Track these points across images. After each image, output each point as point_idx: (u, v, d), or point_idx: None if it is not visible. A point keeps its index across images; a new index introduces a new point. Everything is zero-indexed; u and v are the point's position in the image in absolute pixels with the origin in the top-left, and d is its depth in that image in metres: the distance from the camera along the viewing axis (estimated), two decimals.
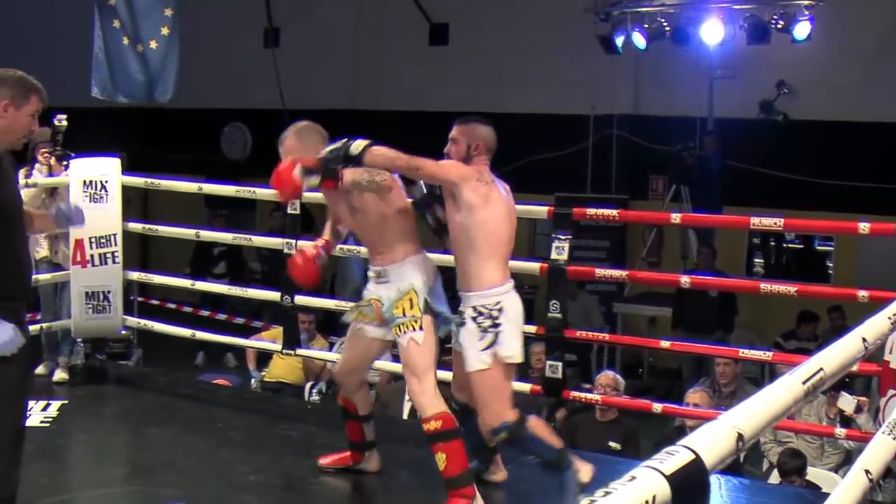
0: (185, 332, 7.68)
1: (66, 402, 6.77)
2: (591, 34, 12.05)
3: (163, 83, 8.82)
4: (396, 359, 8.43)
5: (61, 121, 7.28)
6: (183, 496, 5.34)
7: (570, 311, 8.80)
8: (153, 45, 8.82)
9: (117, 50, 8.81)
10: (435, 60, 14.34)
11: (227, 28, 14.96)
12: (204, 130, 15.46)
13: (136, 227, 7.60)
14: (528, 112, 13.47)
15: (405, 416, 7.87)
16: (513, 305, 4.78)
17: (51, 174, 7.30)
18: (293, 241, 6.70)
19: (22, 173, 7.22)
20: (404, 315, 4.94)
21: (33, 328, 7.48)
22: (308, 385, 9.00)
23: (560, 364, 6.11)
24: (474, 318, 4.75)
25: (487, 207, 4.73)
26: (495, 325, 4.72)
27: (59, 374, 7.34)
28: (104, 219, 7.22)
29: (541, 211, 6.27)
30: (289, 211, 6.77)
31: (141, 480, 5.62)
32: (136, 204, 7.68)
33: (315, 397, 8.80)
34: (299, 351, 7.45)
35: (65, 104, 7.34)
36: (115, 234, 7.25)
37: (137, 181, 7.54)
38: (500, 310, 4.73)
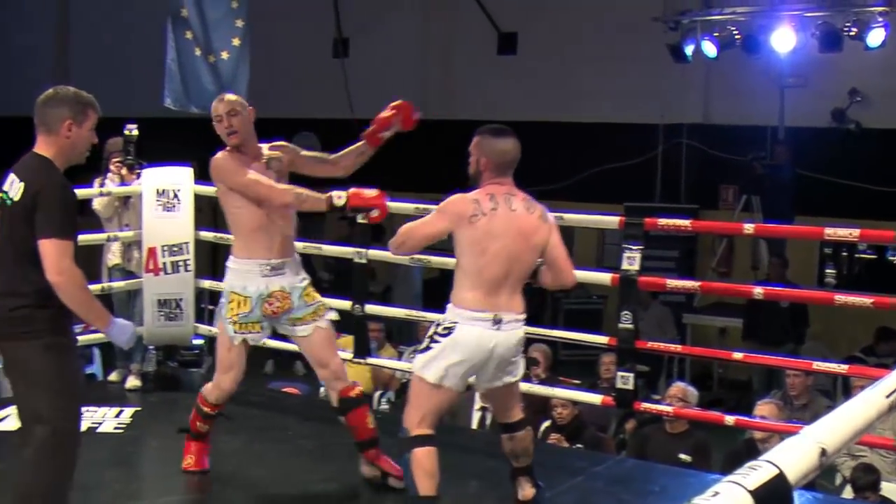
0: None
1: (138, 408, 6.85)
2: (661, 43, 11.98)
3: (234, 93, 8.88)
4: None
5: (132, 130, 7.38)
6: None
7: (643, 322, 8.76)
8: (225, 55, 8.91)
9: (190, 61, 8.90)
10: (503, 69, 14.34)
11: (297, 38, 15.06)
12: (273, 139, 15.53)
13: (207, 235, 7.64)
14: (597, 121, 13.43)
15: (474, 426, 7.86)
16: (465, 337, 4.61)
17: (123, 183, 7.38)
18: (364, 251, 6.72)
19: (96, 182, 7.34)
20: (316, 301, 5.33)
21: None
22: (377, 394, 9.00)
23: (631, 375, 6.06)
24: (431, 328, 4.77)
25: (485, 241, 4.60)
26: (432, 341, 4.68)
27: (132, 381, 7.42)
28: (176, 227, 7.30)
29: (612, 221, 6.24)
30: (359, 220, 6.77)
31: (212, 488, 5.65)
32: (207, 212, 7.73)
33: (384, 406, 8.80)
34: (370, 359, 7.44)
35: (136, 114, 7.45)
36: (187, 243, 7.32)
37: (209, 190, 7.54)
38: (448, 330, 4.64)
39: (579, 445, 7.17)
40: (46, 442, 4.18)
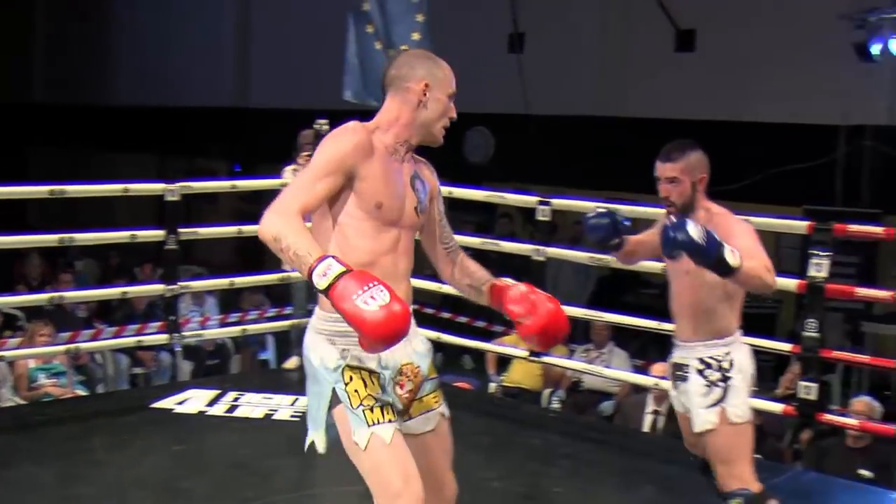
0: (430, 333, 7.70)
1: None
2: (846, 42, 11.62)
3: None
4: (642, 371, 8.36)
5: (322, 125, 7.54)
6: None
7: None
8: (404, 50, 8.96)
9: (370, 54, 8.96)
10: (681, 67, 14.11)
11: (472, 33, 15.09)
12: (446, 134, 15.62)
13: None
14: (776, 121, 13.09)
15: (646, 429, 7.75)
16: (746, 359, 4.26)
17: None
18: (542, 248, 6.68)
19: (286, 172, 7.55)
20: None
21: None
22: (547, 392, 8.97)
23: (815, 385, 5.89)
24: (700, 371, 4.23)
25: None
26: (722, 380, 4.17)
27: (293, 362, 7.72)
28: None
29: (800, 226, 6.06)
30: (539, 218, 6.74)
31: None
32: None
33: (555, 405, 8.76)
34: (545, 357, 7.39)
35: (323, 107, 7.57)
36: None
37: None
38: (730, 361, 4.19)
39: (758, 455, 6.99)
40: None
